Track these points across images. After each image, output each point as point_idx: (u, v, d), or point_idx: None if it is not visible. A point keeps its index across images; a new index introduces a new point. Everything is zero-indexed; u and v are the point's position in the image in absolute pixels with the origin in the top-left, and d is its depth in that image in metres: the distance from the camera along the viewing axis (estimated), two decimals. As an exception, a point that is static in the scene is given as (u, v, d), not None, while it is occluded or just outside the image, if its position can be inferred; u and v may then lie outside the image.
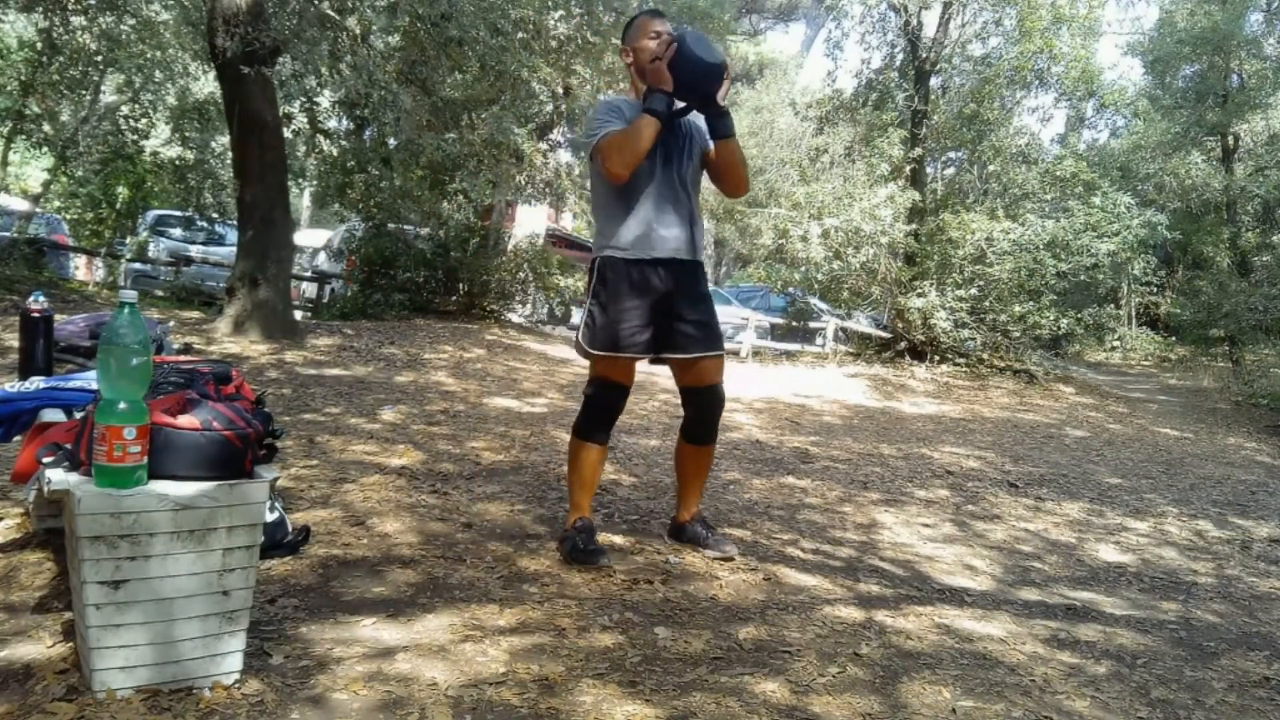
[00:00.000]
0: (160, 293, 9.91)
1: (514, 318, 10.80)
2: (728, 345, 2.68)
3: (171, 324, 5.26)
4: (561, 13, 8.11)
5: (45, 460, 1.50)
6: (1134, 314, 18.89)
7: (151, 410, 1.47)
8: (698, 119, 2.60)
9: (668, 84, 2.39)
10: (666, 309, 2.53)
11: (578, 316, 14.64)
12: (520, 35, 7.52)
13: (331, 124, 9.37)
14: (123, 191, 10.62)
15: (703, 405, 2.63)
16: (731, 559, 2.64)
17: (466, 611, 2.04)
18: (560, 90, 9.78)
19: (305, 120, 8.32)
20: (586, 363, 2.65)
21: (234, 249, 7.36)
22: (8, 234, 9.27)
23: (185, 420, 1.51)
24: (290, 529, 2.32)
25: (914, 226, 10.48)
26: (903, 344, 10.67)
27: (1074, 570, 3.03)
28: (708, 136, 2.59)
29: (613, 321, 2.49)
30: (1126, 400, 10.06)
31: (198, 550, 1.49)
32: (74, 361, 2.53)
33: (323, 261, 13.64)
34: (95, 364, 1.56)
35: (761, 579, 2.52)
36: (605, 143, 2.41)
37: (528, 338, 9.25)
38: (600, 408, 2.59)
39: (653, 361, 2.64)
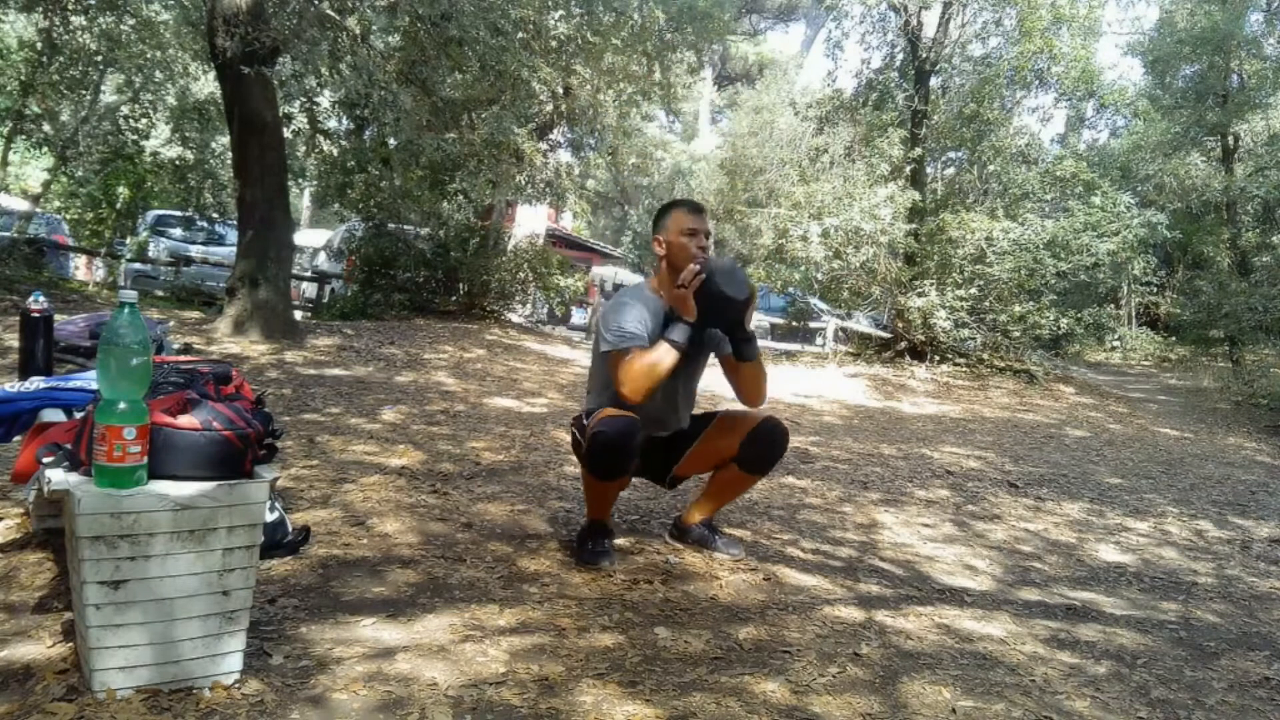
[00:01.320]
0: (160, 293, 9.91)
1: (514, 318, 10.81)
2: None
3: (171, 324, 5.26)
4: (561, 13, 8.10)
5: (45, 460, 1.50)
6: (1134, 314, 18.88)
7: (151, 410, 1.47)
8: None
9: (691, 315, 2.35)
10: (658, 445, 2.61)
11: (578, 317, 14.68)
12: (520, 35, 7.52)
13: (331, 124, 9.37)
14: (123, 191, 10.63)
15: (767, 436, 2.56)
16: (741, 559, 2.65)
17: (466, 611, 2.04)
18: (560, 90, 9.77)
19: (305, 120, 8.32)
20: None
21: (234, 249, 7.36)
22: (8, 234, 9.27)
23: (185, 420, 1.51)
24: (290, 529, 2.32)
25: (914, 226, 10.47)
26: (903, 344, 10.67)
27: (1074, 570, 3.03)
28: (724, 344, 2.56)
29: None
30: (1126, 400, 10.06)
31: (198, 550, 1.49)
32: (74, 361, 2.53)
33: (323, 261, 13.65)
34: (95, 364, 1.56)
35: (761, 579, 2.52)
36: (622, 366, 2.32)
37: (528, 338, 9.25)
38: (610, 450, 2.39)
39: (671, 485, 2.76)
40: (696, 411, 2.74)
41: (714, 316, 2.40)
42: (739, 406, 2.66)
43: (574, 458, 3.76)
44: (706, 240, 2.48)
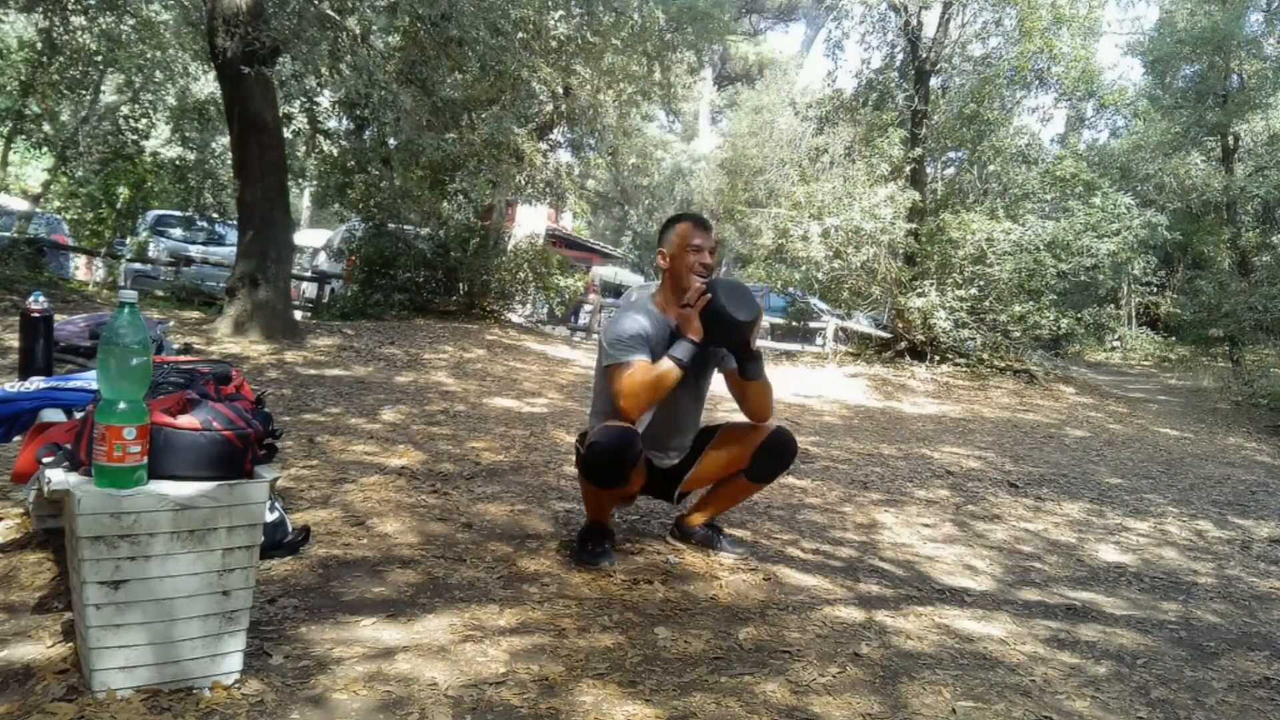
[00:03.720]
0: (160, 293, 9.91)
1: (514, 318, 10.81)
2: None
3: (171, 324, 5.26)
4: (561, 13, 8.10)
5: (45, 460, 1.50)
6: (1134, 314, 18.88)
7: (151, 410, 1.47)
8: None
9: (696, 334, 2.33)
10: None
11: (577, 316, 14.66)
12: (520, 35, 7.52)
13: (331, 124, 9.37)
14: (123, 191, 10.63)
15: (778, 448, 2.56)
16: (744, 559, 2.66)
17: (466, 612, 2.04)
18: (560, 90, 9.78)
19: (305, 120, 8.32)
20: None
21: (234, 249, 7.36)
22: (8, 234, 9.27)
23: (185, 420, 1.51)
24: (290, 529, 2.32)
25: (914, 226, 10.47)
26: (903, 344, 10.67)
27: (1074, 570, 3.03)
28: (729, 360, 2.54)
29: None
30: (1126, 400, 10.06)
31: (198, 550, 1.49)
32: (74, 361, 2.53)
33: (323, 261, 13.65)
34: (95, 364, 1.56)
35: (761, 579, 2.52)
36: (623, 381, 2.30)
37: (528, 338, 9.25)
38: (606, 460, 2.36)
39: (679, 500, 2.73)
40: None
41: (719, 336, 2.38)
42: (741, 418, 2.65)
43: (573, 459, 3.77)
44: (711, 257, 2.46)
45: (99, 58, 9.39)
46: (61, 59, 9.10)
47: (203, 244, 11.35)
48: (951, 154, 11.98)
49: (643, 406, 2.31)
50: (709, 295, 2.32)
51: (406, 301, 9.34)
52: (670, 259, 2.48)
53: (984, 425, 7.01)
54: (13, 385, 2.11)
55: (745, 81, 27.61)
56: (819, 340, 12.41)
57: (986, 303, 10.21)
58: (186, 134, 9.63)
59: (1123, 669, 2.13)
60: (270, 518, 2.20)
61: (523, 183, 10.02)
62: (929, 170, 11.72)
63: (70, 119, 10.64)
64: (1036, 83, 11.25)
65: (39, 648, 1.65)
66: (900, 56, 11.98)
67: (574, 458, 2.58)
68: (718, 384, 2.66)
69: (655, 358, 2.36)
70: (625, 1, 8.25)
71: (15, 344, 3.75)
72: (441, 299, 9.95)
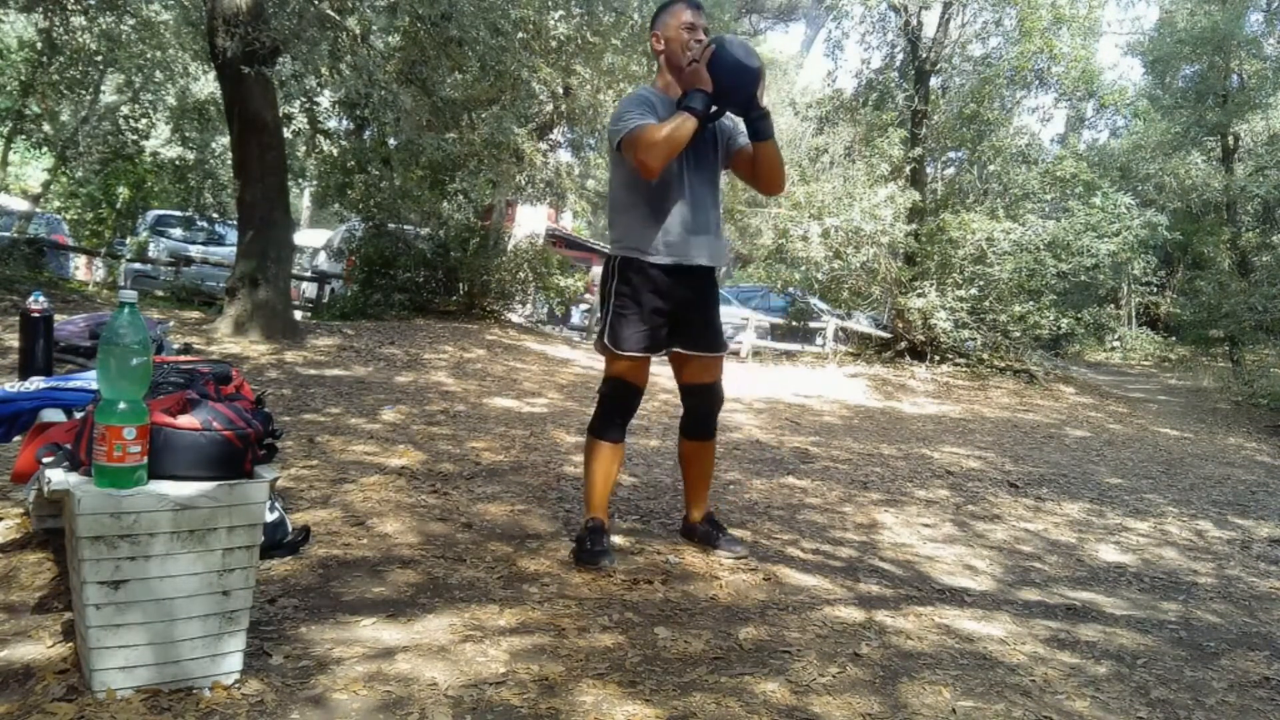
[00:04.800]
0: (160, 293, 9.91)
1: (514, 318, 10.81)
2: (729, 345, 2.68)
3: (171, 324, 5.26)
4: (561, 13, 8.10)
5: (45, 460, 1.50)
6: (1134, 314, 18.89)
7: (151, 410, 1.47)
8: (727, 119, 2.56)
9: (706, 84, 2.33)
10: (684, 310, 2.54)
11: (577, 316, 14.67)
12: (520, 35, 7.51)
13: (331, 124, 9.37)
14: (123, 191, 10.63)
15: (703, 401, 2.64)
16: (745, 558, 2.66)
17: (466, 612, 2.04)
18: (560, 90, 9.77)
19: (305, 120, 8.32)
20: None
21: (234, 249, 7.36)
22: (8, 234, 9.27)
23: (185, 420, 1.51)
24: (290, 529, 2.32)
25: (914, 226, 10.48)
26: (903, 344, 10.67)
27: (1074, 570, 3.03)
28: (738, 137, 2.56)
29: (639, 323, 2.48)
30: (1126, 400, 10.06)
31: (198, 550, 1.49)
32: (74, 361, 2.53)
33: (323, 261, 13.65)
34: (95, 364, 1.56)
35: (761, 579, 2.51)
36: (638, 135, 2.30)
37: (528, 338, 9.25)
38: (617, 406, 2.57)
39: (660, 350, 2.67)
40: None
41: (729, 88, 2.35)
42: (718, 360, 2.65)
43: (574, 458, 3.78)
44: (705, 36, 2.46)
45: (99, 58, 9.39)
46: (61, 59, 9.11)
47: (203, 244, 11.36)
48: (951, 154, 11.99)
49: (661, 156, 2.28)
50: (714, 47, 2.32)
51: (406, 301, 9.34)
52: (665, 40, 2.49)
53: (984, 425, 7.02)
54: (13, 385, 2.11)
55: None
56: (819, 340, 12.41)
57: (986, 303, 10.22)
58: (186, 134, 9.64)
59: (1123, 669, 2.13)
60: (270, 518, 2.20)
61: (523, 183, 10.02)
62: (929, 170, 11.73)
63: (70, 119, 10.65)
64: (1036, 83, 11.25)
65: (39, 648, 1.65)
66: (900, 56, 11.98)
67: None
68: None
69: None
70: (625, 1, 8.25)
71: (15, 344, 3.75)
72: (441, 299, 9.95)
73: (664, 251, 2.47)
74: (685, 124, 2.30)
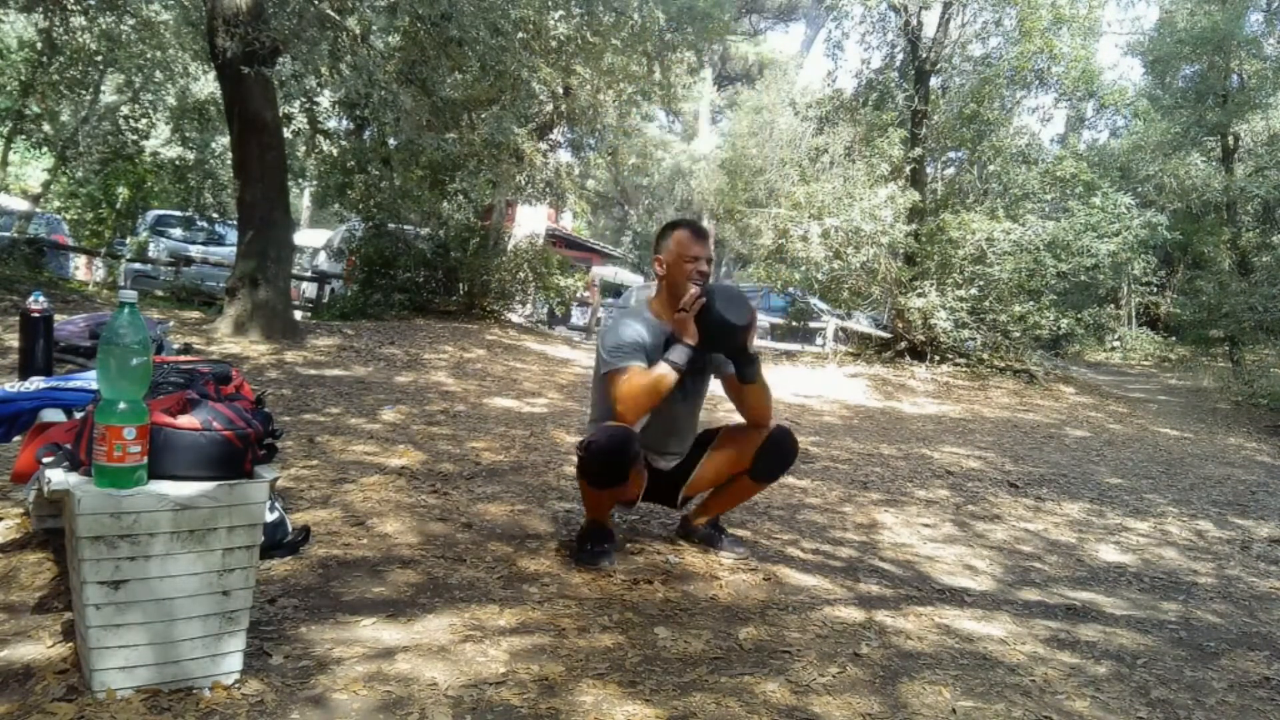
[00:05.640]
0: (160, 293, 9.91)
1: (514, 318, 10.81)
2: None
3: (171, 324, 5.26)
4: (561, 13, 8.10)
5: (45, 460, 1.50)
6: (1134, 314, 18.88)
7: (151, 410, 1.47)
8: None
9: (692, 338, 2.34)
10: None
11: (577, 316, 14.67)
12: (520, 35, 7.51)
13: (331, 124, 9.37)
14: (123, 191, 10.63)
15: (780, 447, 2.56)
16: (746, 558, 2.66)
17: (466, 612, 2.04)
18: (560, 90, 9.77)
19: (305, 120, 8.32)
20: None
21: (234, 249, 7.36)
22: (8, 234, 9.27)
23: (185, 420, 1.51)
24: (290, 529, 2.32)
25: (914, 226, 10.47)
26: (903, 344, 10.67)
27: (1074, 570, 3.03)
28: (728, 366, 2.54)
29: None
30: (1126, 400, 10.06)
31: (198, 550, 1.49)
32: (74, 361, 2.53)
33: (323, 261, 13.65)
34: (95, 364, 1.56)
35: (761, 579, 2.52)
36: (623, 389, 2.31)
37: (528, 338, 9.25)
38: (605, 475, 2.36)
39: (682, 505, 2.73)
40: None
41: (715, 340, 2.39)
42: (740, 420, 2.65)
43: (573, 459, 3.77)
44: (708, 266, 2.47)
45: (99, 58, 9.39)
46: (61, 59, 9.11)
47: (203, 244, 11.36)
48: (951, 154, 11.98)
49: (640, 411, 2.32)
50: (704, 300, 2.33)
51: (406, 301, 9.34)
52: (667, 266, 2.49)
53: (984, 425, 7.01)
54: (13, 385, 2.11)
55: (745, 81, 27.61)
56: (819, 340, 12.41)
57: (986, 303, 10.21)
58: (186, 134, 9.64)
59: (1123, 669, 2.13)
60: (270, 518, 2.20)
61: (523, 183, 10.02)
62: (929, 170, 11.72)
63: (70, 119, 10.65)
64: (1036, 83, 11.24)
65: (39, 648, 1.65)
66: (900, 56, 11.98)
67: (575, 459, 2.58)
68: (717, 387, 2.66)
69: (652, 363, 2.37)
70: (625, 1, 8.24)
71: (15, 344, 3.75)
72: (441, 299, 9.95)
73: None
74: (665, 378, 2.32)
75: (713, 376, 2.64)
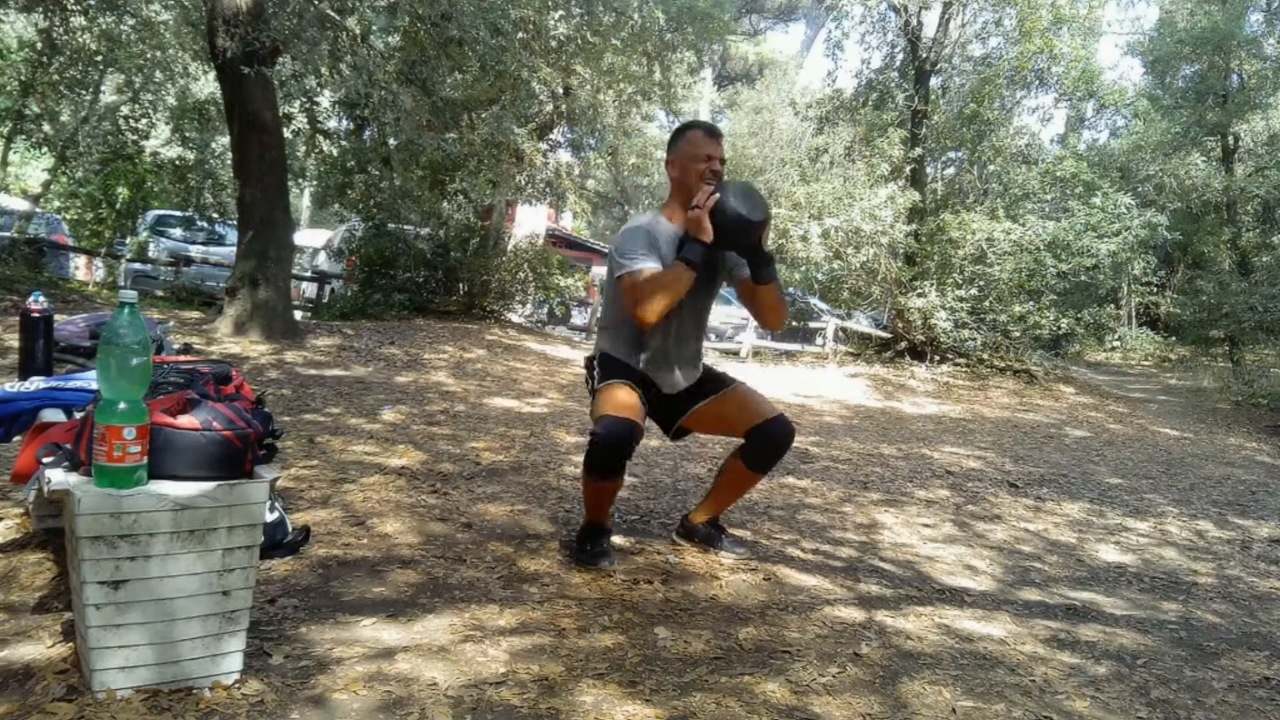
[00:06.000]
0: (160, 293, 9.91)
1: (514, 318, 10.81)
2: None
3: (171, 324, 5.26)
4: (561, 13, 8.10)
5: (45, 460, 1.50)
6: (1134, 314, 18.88)
7: (151, 410, 1.47)
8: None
9: (706, 235, 2.30)
10: (671, 398, 2.59)
11: (578, 317, 14.69)
12: (520, 35, 7.51)
13: (331, 124, 9.38)
14: (123, 191, 10.62)
15: (776, 435, 2.53)
16: (747, 558, 2.66)
17: (466, 612, 2.04)
18: (560, 90, 9.78)
19: (305, 120, 8.32)
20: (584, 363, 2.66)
21: (234, 249, 7.36)
22: (8, 234, 9.27)
23: (185, 420, 1.51)
24: (290, 529, 2.32)
25: (914, 226, 10.48)
26: (903, 344, 10.67)
27: (1074, 570, 3.03)
28: (742, 268, 2.51)
29: (626, 375, 2.46)
30: (1126, 400, 10.06)
31: (198, 550, 1.49)
32: (74, 361, 2.52)
33: (323, 261, 13.64)
34: (95, 364, 1.56)
35: (761, 579, 2.51)
36: (639, 286, 2.29)
37: (528, 338, 9.25)
38: (611, 452, 2.34)
39: (674, 436, 2.71)
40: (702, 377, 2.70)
41: (730, 238, 2.34)
42: (759, 389, 2.64)
43: (574, 458, 3.78)
44: (720, 165, 2.44)
45: (99, 58, 9.39)
46: (61, 59, 9.11)
47: (203, 244, 11.35)
48: (951, 154, 11.99)
49: (657, 311, 2.28)
50: (718, 195, 2.29)
51: (406, 301, 9.34)
52: (679, 168, 2.46)
53: (984, 425, 7.02)
54: (13, 385, 2.11)
55: (745, 81, 27.59)
56: (819, 340, 12.41)
57: (986, 303, 10.22)
58: (186, 134, 9.63)
59: (1123, 669, 2.13)
60: (270, 518, 2.20)
61: (523, 183, 10.02)
62: (929, 170, 11.73)
63: (70, 119, 10.65)
64: (1036, 83, 11.25)
65: (39, 648, 1.65)
66: (900, 56, 11.99)
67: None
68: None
69: (665, 265, 2.35)
70: (625, 1, 8.24)
71: (15, 344, 3.75)
72: (441, 299, 9.95)
73: (642, 368, 2.50)
74: (682, 277, 2.30)
75: (725, 283, 2.62)
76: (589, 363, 2.57)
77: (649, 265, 2.32)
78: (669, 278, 2.29)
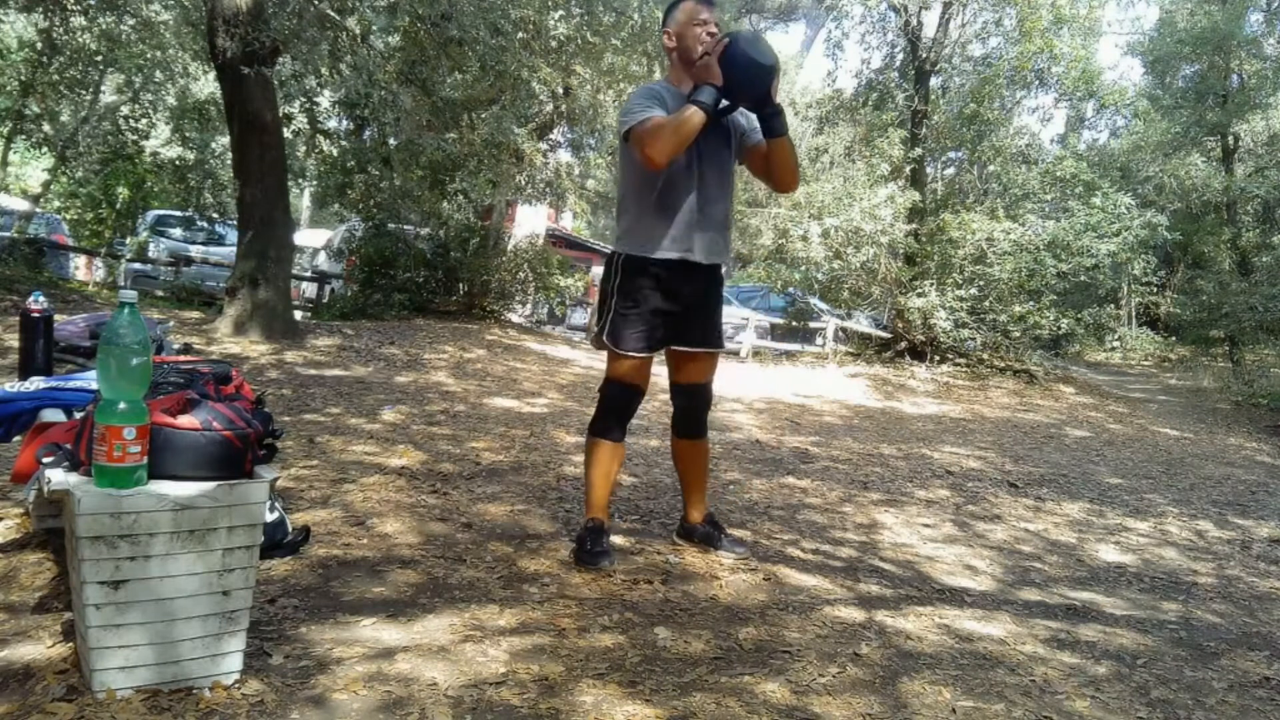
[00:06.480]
0: (160, 293, 9.91)
1: (514, 318, 10.81)
2: (728, 345, 2.68)
3: (171, 324, 5.26)
4: (561, 13, 8.10)
5: (45, 460, 1.50)
6: (1134, 314, 18.89)
7: (151, 410, 1.47)
8: (741, 115, 2.53)
9: (717, 79, 2.28)
10: (686, 308, 2.53)
11: (577, 316, 14.71)
12: (520, 35, 7.52)
13: (331, 124, 9.37)
14: (123, 191, 10.63)
15: (695, 400, 2.64)
16: (746, 558, 2.66)
17: (466, 612, 2.04)
18: (560, 90, 9.78)
19: (305, 120, 8.32)
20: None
21: (234, 249, 7.36)
22: (8, 234, 9.27)
23: (185, 420, 1.51)
24: (290, 529, 2.32)
25: (914, 226, 10.48)
26: (903, 344, 10.67)
27: (1074, 570, 3.03)
28: (752, 132, 2.52)
29: (641, 323, 2.47)
30: (1126, 400, 10.06)
31: (198, 550, 1.49)
32: (74, 361, 2.53)
33: (323, 261, 13.64)
34: (95, 364, 1.56)
35: (761, 579, 2.51)
36: (645, 128, 2.27)
37: (528, 338, 9.25)
38: (618, 406, 2.54)
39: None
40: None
41: (741, 86, 2.31)
42: (696, 363, 2.62)
43: (574, 458, 3.78)
44: (717, 31, 2.43)
45: (99, 58, 9.40)
46: (61, 59, 9.11)
47: (203, 244, 11.36)
48: (951, 154, 12.00)
49: (667, 149, 2.25)
50: (726, 40, 2.27)
51: (406, 301, 9.34)
52: (676, 36, 2.45)
53: (984, 425, 7.02)
54: (13, 385, 2.11)
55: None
56: (819, 340, 12.41)
57: (986, 303, 10.22)
58: (186, 134, 9.63)
59: (1123, 669, 2.13)
60: (270, 518, 2.20)
61: (523, 183, 10.02)
62: (929, 170, 11.73)
63: (70, 119, 10.66)
64: (1036, 83, 11.26)
65: (39, 648, 1.65)
66: (900, 56, 11.99)
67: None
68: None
69: None
70: (625, 1, 8.25)
71: (15, 344, 3.74)
72: (441, 299, 9.95)
73: (668, 246, 2.45)
74: (693, 117, 2.26)
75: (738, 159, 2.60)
76: (611, 265, 2.54)
77: (656, 113, 2.31)
78: (678, 119, 2.26)
